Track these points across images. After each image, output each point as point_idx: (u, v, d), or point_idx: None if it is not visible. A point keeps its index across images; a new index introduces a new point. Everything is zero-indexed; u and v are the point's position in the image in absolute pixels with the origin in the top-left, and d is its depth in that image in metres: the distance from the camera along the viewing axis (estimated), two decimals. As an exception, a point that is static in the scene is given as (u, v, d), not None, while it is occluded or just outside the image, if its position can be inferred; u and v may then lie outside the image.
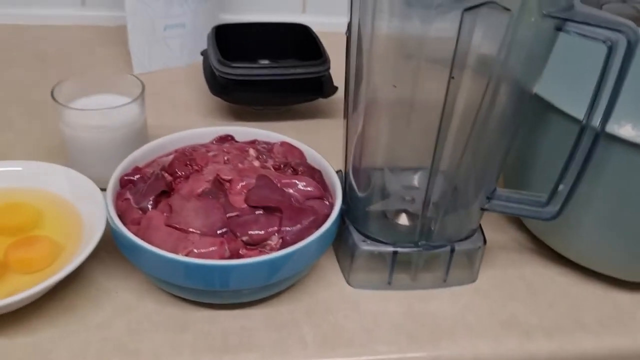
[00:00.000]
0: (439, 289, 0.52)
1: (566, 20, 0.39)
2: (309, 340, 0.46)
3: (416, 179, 0.51)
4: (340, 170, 0.54)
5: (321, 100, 0.73)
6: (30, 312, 0.46)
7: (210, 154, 0.52)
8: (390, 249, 0.49)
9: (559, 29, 0.40)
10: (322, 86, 0.71)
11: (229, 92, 0.69)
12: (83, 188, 0.51)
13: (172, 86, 0.79)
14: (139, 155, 0.53)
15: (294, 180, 0.50)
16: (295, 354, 0.45)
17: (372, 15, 0.41)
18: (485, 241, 0.52)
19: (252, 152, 0.53)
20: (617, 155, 0.45)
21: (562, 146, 0.45)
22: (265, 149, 0.55)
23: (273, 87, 0.69)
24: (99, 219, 0.48)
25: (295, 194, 0.49)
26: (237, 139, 0.56)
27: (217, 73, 0.68)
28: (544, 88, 0.46)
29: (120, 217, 0.47)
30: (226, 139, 0.56)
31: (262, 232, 0.46)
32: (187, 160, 0.51)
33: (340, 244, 0.52)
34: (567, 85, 0.48)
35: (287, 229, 0.46)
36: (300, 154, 0.55)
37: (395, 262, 0.50)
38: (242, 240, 0.45)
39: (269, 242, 0.46)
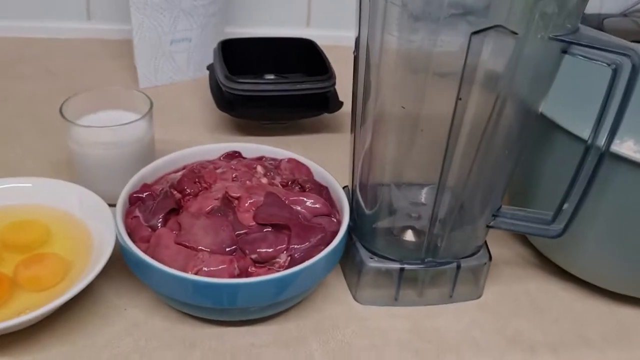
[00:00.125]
0: (444, 304, 0.52)
1: (571, 43, 0.40)
2: (317, 357, 0.46)
3: (423, 196, 0.51)
4: (347, 186, 0.55)
5: (326, 115, 0.73)
6: (40, 329, 0.46)
7: (219, 171, 0.53)
8: (397, 265, 0.50)
9: (564, 51, 0.40)
10: (327, 101, 0.72)
11: (235, 107, 0.70)
12: (92, 205, 0.52)
13: (178, 100, 0.80)
14: (148, 172, 0.53)
15: (301, 198, 0.50)
16: (304, 371, 0.46)
17: (381, 30, 0.42)
18: (490, 257, 0.52)
19: (259, 169, 0.53)
20: (621, 173, 0.45)
21: (566, 165, 0.45)
22: (272, 166, 0.55)
23: (279, 103, 0.70)
24: (108, 236, 0.48)
25: (303, 211, 0.50)
26: (244, 155, 0.57)
27: (223, 88, 0.69)
28: (549, 107, 0.47)
29: (130, 234, 0.47)
30: (234, 155, 0.56)
31: (271, 249, 0.46)
32: (195, 177, 0.51)
33: (347, 260, 0.52)
34: (572, 105, 0.49)
35: (296, 246, 0.46)
36: (307, 170, 0.55)
37: (402, 278, 0.50)
38: (251, 258, 0.46)
39: (278, 259, 0.46)
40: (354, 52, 0.47)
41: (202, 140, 0.70)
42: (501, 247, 0.58)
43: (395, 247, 0.51)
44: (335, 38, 0.84)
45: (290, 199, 0.50)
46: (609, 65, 0.39)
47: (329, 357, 0.47)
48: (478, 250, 0.52)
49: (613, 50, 0.39)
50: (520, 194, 0.56)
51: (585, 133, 0.44)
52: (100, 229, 0.50)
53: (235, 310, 0.47)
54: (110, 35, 0.93)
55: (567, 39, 0.39)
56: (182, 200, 0.50)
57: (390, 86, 0.44)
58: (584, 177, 0.44)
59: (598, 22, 0.89)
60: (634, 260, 0.49)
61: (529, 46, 0.39)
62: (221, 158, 0.56)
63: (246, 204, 0.49)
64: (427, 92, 0.43)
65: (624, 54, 0.38)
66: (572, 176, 0.45)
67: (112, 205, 0.51)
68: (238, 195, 0.49)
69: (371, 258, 0.50)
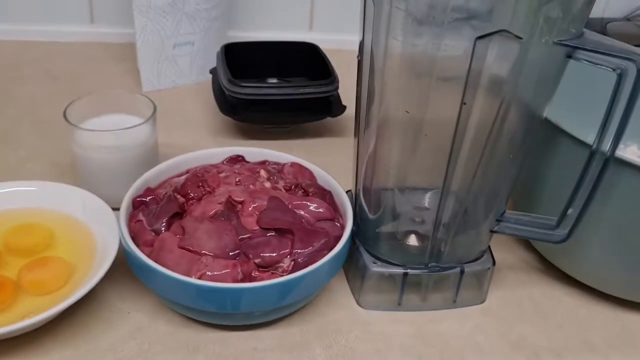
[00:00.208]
0: (448, 309, 0.52)
1: (576, 48, 0.40)
2: (321, 362, 0.46)
3: (426, 200, 0.51)
4: (350, 191, 0.55)
5: (329, 119, 0.73)
6: (43, 333, 0.46)
7: (222, 175, 0.52)
8: (401, 270, 0.50)
9: (569, 56, 0.40)
10: (330, 105, 0.72)
11: (238, 111, 0.70)
12: (96, 209, 0.52)
13: (181, 104, 0.80)
14: (151, 176, 0.53)
15: (305, 202, 0.50)
16: (307, 375, 0.46)
17: (385, 34, 0.42)
18: (494, 262, 0.52)
19: (263, 173, 0.53)
20: (625, 178, 0.45)
21: (571, 170, 0.45)
22: (275, 170, 0.55)
23: (282, 107, 0.70)
24: (111, 240, 0.48)
25: (307, 215, 0.50)
26: (247, 159, 0.57)
27: (226, 92, 0.69)
28: (554, 112, 0.47)
29: (133, 238, 0.47)
30: (237, 159, 0.56)
31: (275, 254, 0.46)
32: (199, 181, 0.51)
33: (350, 265, 0.52)
34: (576, 110, 0.49)
35: (299, 251, 0.46)
36: (311, 174, 0.55)
37: (405, 283, 0.50)
38: (255, 263, 0.46)
39: (281, 264, 0.46)
40: (357, 57, 0.47)
41: (204, 144, 0.70)
42: (505, 252, 0.58)
43: (398, 251, 0.51)
44: (337, 42, 0.84)
45: (294, 203, 0.50)
46: (613, 70, 0.39)
47: (332, 361, 0.47)
48: (482, 255, 0.52)
49: (618, 55, 0.39)
50: (524, 198, 0.56)
51: (590, 138, 0.44)
52: (103, 232, 0.50)
53: (239, 315, 0.47)
54: (113, 39, 0.93)
55: (571, 44, 0.39)
56: (185, 205, 0.50)
57: (394, 90, 0.44)
58: (588, 182, 0.44)
59: (601, 26, 0.89)
60: (639, 266, 0.49)
61: (534, 51, 0.39)
62: (224, 162, 0.56)
63: (250, 208, 0.49)
64: (431, 96, 0.43)
65: (629, 59, 0.38)
66: (576, 181, 0.45)
67: (115, 209, 0.51)
68: (241, 199, 0.49)
69: (374, 263, 0.50)
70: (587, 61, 0.40)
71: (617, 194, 0.46)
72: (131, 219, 0.49)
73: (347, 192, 0.54)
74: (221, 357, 0.46)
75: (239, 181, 0.52)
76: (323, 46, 0.78)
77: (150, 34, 0.78)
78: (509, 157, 0.46)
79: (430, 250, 0.49)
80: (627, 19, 0.94)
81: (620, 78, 0.39)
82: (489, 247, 0.53)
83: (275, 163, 0.57)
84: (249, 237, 0.47)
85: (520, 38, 0.38)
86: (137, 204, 0.50)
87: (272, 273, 0.46)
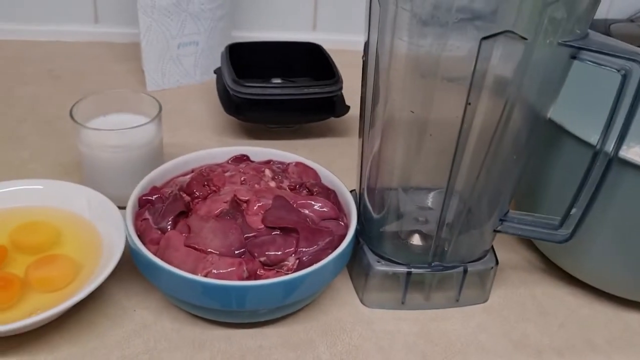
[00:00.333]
0: (451, 308, 0.52)
1: (581, 48, 0.40)
2: (325, 359, 0.47)
3: (430, 200, 0.51)
4: (354, 190, 0.55)
5: (333, 119, 0.73)
6: (50, 330, 0.46)
7: (227, 174, 0.53)
8: (404, 269, 0.50)
9: (573, 57, 0.41)
10: (334, 106, 0.72)
11: (243, 111, 0.70)
12: (102, 207, 0.52)
13: (186, 104, 0.80)
14: (157, 175, 0.54)
15: (309, 201, 0.51)
16: (312, 373, 0.46)
17: (391, 34, 0.42)
18: (497, 262, 0.52)
19: (267, 172, 0.54)
20: (629, 179, 0.45)
21: (574, 170, 0.45)
22: (280, 169, 0.56)
23: (286, 107, 0.70)
24: (117, 238, 0.49)
25: (311, 214, 0.50)
26: (252, 158, 0.57)
27: (231, 92, 0.69)
28: (557, 113, 0.47)
29: (139, 237, 0.48)
30: (242, 159, 0.57)
31: (280, 252, 0.46)
32: (204, 180, 0.52)
33: (354, 264, 0.53)
34: (580, 111, 0.49)
35: (304, 249, 0.47)
36: (315, 174, 0.56)
37: (409, 282, 0.50)
38: (260, 261, 0.46)
39: (286, 262, 0.46)
40: (362, 57, 0.47)
41: (209, 143, 0.71)
42: (508, 251, 0.58)
43: (402, 250, 0.51)
44: (340, 42, 0.84)
45: (299, 202, 0.51)
46: (618, 70, 0.39)
47: (336, 359, 0.47)
48: (485, 255, 0.52)
49: (622, 55, 0.39)
50: (527, 198, 0.56)
51: (593, 138, 0.44)
52: (109, 230, 0.50)
53: (244, 313, 0.47)
54: (117, 39, 0.94)
55: (576, 45, 0.40)
56: (191, 203, 0.50)
57: (400, 91, 0.44)
58: (592, 182, 0.44)
59: (605, 27, 0.89)
60: (641, 266, 0.50)
61: (538, 51, 0.40)
62: (229, 161, 0.57)
63: (255, 207, 0.49)
64: (436, 96, 0.43)
65: (634, 60, 0.39)
66: (580, 181, 0.45)
67: (120, 207, 0.51)
68: (247, 198, 0.50)
69: (378, 261, 0.50)
70: (592, 62, 0.40)
71: (620, 194, 0.46)
72: (137, 218, 0.50)
73: (350, 191, 0.54)
74: (226, 354, 0.46)
75: (244, 180, 0.52)
76: (326, 46, 0.78)
77: (155, 34, 0.78)
78: (512, 158, 0.46)
79: (434, 249, 0.50)
80: (631, 20, 0.95)
81: (625, 79, 0.39)
82: (492, 246, 0.53)
83: (280, 162, 0.57)
84: (254, 236, 0.47)
85: (525, 39, 0.39)
86: (143, 203, 0.51)
87: (277, 271, 0.46)
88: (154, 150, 0.59)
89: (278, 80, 0.78)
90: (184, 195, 0.51)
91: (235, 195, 0.50)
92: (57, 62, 0.88)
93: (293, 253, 0.47)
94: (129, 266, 0.49)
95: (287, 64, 0.79)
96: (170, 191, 0.52)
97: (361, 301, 0.52)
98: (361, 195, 0.52)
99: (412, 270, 0.50)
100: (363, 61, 0.47)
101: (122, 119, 0.59)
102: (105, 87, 0.82)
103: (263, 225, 0.48)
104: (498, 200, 0.49)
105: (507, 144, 0.45)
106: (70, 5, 0.92)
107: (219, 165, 0.56)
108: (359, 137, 0.51)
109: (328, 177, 0.55)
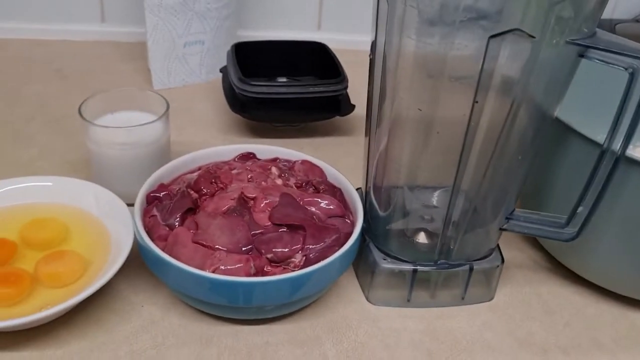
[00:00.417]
0: (457, 306, 0.53)
1: (588, 47, 0.40)
2: (331, 356, 0.47)
3: (436, 198, 0.51)
4: (360, 188, 0.55)
5: (338, 118, 0.74)
6: (59, 325, 0.47)
7: (234, 171, 0.53)
8: (410, 267, 0.50)
9: (581, 55, 0.41)
10: (339, 104, 0.72)
11: (248, 109, 0.71)
12: (110, 204, 0.52)
13: (192, 102, 0.80)
14: (164, 172, 0.54)
15: (316, 199, 0.51)
16: (318, 369, 0.46)
17: (398, 33, 0.42)
18: (503, 260, 0.52)
19: (274, 170, 0.54)
20: (635, 177, 0.45)
21: (581, 169, 0.46)
22: (286, 167, 0.56)
23: (291, 105, 0.71)
24: (125, 234, 0.49)
25: (318, 212, 0.50)
26: (258, 156, 0.58)
27: (237, 90, 0.70)
28: (564, 112, 0.47)
29: (148, 233, 0.48)
30: (248, 156, 0.57)
31: (287, 249, 0.47)
32: (212, 178, 0.52)
33: (360, 261, 0.53)
34: (587, 109, 0.49)
35: (311, 246, 0.47)
36: (321, 172, 0.56)
37: (414, 280, 0.51)
38: (267, 258, 0.46)
39: (293, 259, 0.47)
40: (369, 55, 0.47)
41: (215, 142, 0.71)
42: (513, 250, 0.59)
43: (408, 248, 0.52)
44: (345, 42, 0.85)
45: (305, 200, 0.51)
46: (625, 69, 0.39)
47: (342, 356, 0.47)
48: (490, 253, 0.52)
49: (630, 54, 0.39)
50: (534, 197, 0.56)
51: (600, 137, 0.44)
52: (117, 227, 0.51)
53: (251, 309, 0.47)
54: (123, 38, 0.94)
55: (584, 43, 0.40)
56: (198, 200, 0.51)
57: (407, 89, 0.45)
58: (598, 181, 0.44)
59: (610, 27, 0.89)
60: (646, 265, 0.50)
61: (546, 50, 0.40)
62: (236, 159, 0.57)
63: (262, 205, 0.49)
64: (443, 95, 0.43)
65: (640, 58, 0.39)
66: (586, 180, 0.45)
67: (128, 204, 0.51)
68: (254, 195, 0.50)
69: (384, 259, 0.51)
70: (600, 60, 0.40)
71: (627, 193, 0.46)
72: (145, 214, 0.50)
73: (357, 189, 0.54)
74: (233, 350, 0.47)
75: (250, 178, 0.53)
76: (331, 45, 0.79)
77: (161, 33, 0.79)
78: (519, 156, 0.46)
79: (440, 247, 0.50)
80: (636, 20, 0.95)
81: (632, 77, 0.39)
82: (498, 245, 0.53)
83: (286, 160, 0.57)
84: (261, 233, 0.48)
85: (533, 37, 0.39)
86: (151, 200, 0.51)
87: (284, 268, 0.46)
88: (162, 147, 0.59)
89: (283, 79, 0.79)
90: (192, 192, 0.51)
91: (242, 193, 0.50)
92: (64, 61, 0.88)
93: (300, 250, 0.47)
94: (137, 262, 0.50)
95: (293, 63, 0.79)
96: (177, 188, 0.52)
97: (367, 298, 0.52)
98: (367, 193, 0.53)
99: (418, 268, 0.50)
100: (370, 59, 0.47)
101: (129, 117, 0.59)
102: (112, 86, 0.81)
103: (270, 222, 0.48)
104: (504, 199, 0.49)
105: (514, 142, 0.45)
106: (77, 4, 0.93)
107: (226, 162, 0.56)
108: (365, 135, 0.51)
109: (334, 175, 0.56)
